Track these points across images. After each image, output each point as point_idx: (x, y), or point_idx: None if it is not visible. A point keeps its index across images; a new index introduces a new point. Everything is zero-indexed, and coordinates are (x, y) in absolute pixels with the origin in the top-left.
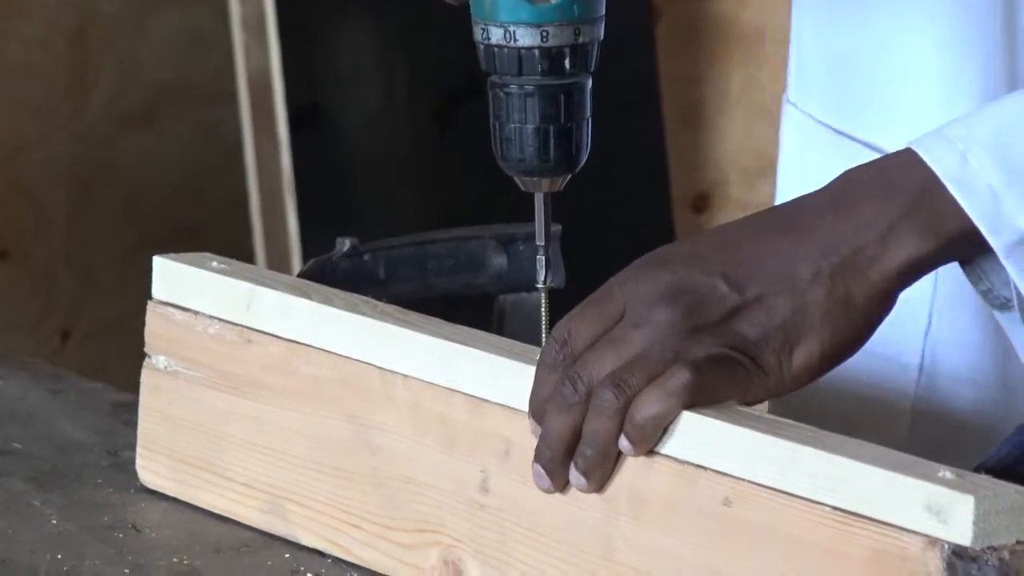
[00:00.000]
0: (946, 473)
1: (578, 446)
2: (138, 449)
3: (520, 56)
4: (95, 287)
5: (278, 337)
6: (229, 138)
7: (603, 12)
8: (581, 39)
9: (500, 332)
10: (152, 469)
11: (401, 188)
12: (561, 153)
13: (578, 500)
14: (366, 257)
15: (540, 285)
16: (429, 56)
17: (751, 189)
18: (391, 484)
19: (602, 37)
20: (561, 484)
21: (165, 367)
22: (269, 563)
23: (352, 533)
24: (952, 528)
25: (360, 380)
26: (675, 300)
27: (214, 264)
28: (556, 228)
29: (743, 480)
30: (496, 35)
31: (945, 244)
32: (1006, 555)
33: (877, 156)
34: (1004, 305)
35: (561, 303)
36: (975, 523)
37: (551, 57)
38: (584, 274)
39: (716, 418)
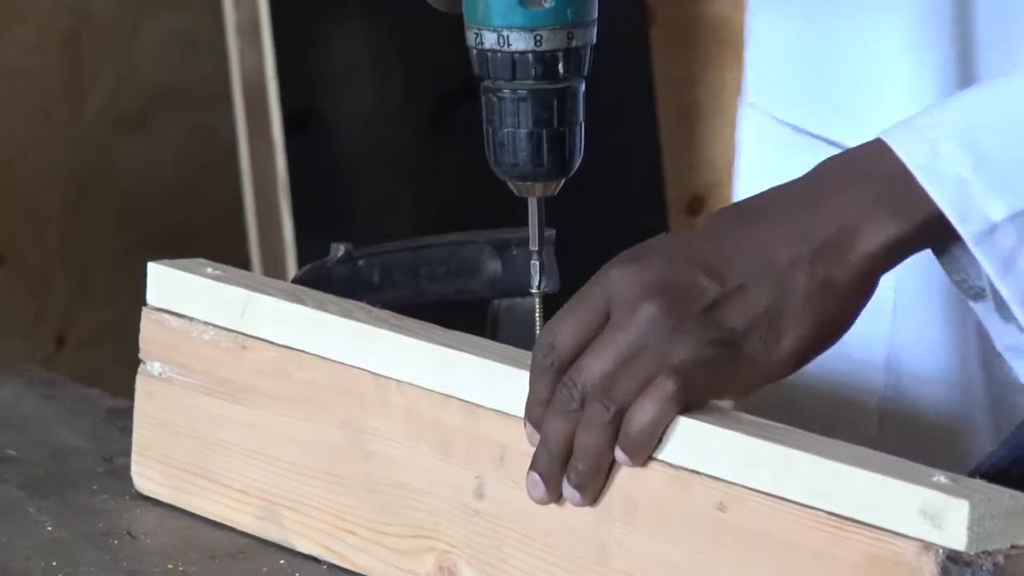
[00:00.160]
0: (940, 478)
1: (570, 460)
2: (133, 455)
3: (514, 60)
4: (90, 291)
5: (273, 343)
6: (224, 141)
7: (596, 16)
8: (574, 43)
9: (494, 337)
10: (147, 475)
11: (396, 191)
12: (555, 158)
13: (572, 506)
14: (360, 262)
15: (534, 290)
16: (424, 59)
17: None
18: (386, 490)
19: (595, 41)
20: (556, 493)
21: (160, 373)
22: (264, 569)
23: (347, 539)
24: (946, 533)
25: (355, 386)
26: (657, 297)
27: (208, 270)
28: (549, 233)
29: (737, 485)
30: (489, 39)
31: (921, 228)
32: (1000, 559)
33: (833, 152)
34: (979, 295)
35: (556, 308)
36: (969, 528)
37: (544, 61)
38: (579, 278)
39: (710, 423)
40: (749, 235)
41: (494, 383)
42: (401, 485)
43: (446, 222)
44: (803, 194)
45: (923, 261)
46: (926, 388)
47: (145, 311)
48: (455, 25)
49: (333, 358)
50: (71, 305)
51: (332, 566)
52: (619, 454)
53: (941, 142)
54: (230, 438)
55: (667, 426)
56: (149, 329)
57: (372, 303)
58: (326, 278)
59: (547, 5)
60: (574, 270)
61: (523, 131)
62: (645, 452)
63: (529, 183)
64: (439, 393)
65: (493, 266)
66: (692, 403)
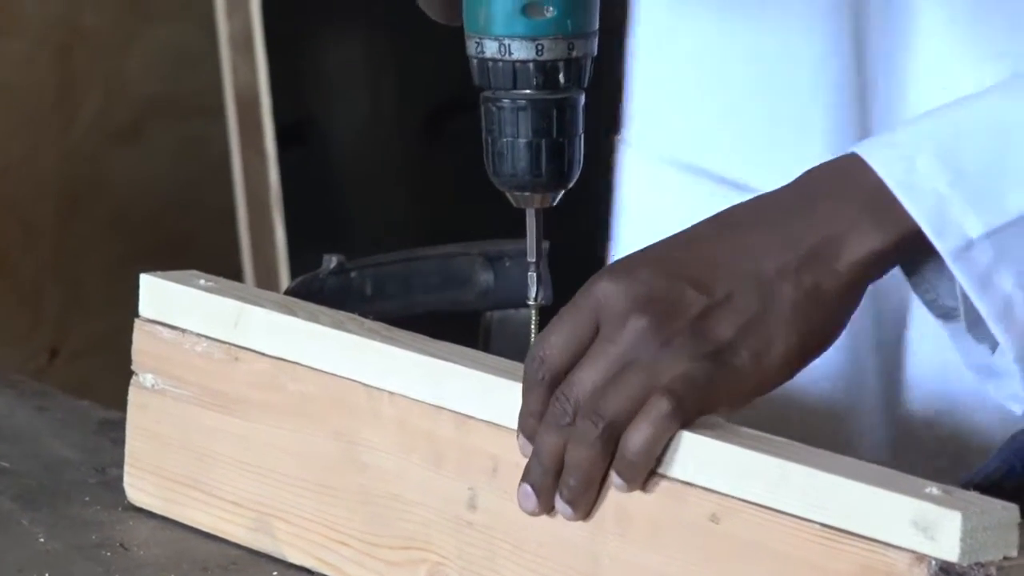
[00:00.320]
0: (933, 489)
1: (562, 476)
2: (126, 467)
3: (515, 69)
4: (83, 302)
5: (265, 355)
6: (216, 153)
7: (597, 28)
8: (575, 53)
9: (487, 349)
10: (140, 487)
11: (389, 202)
12: (553, 168)
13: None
14: (353, 274)
15: (531, 302)
16: (416, 71)
17: None
18: (378, 501)
19: (595, 53)
20: (548, 505)
21: (152, 385)
22: None
23: (340, 550)
24: (939, 544)
25: (347, 397)
26: (645, 310)
27: (201, 282)
28: (544, 245)
29: (731, 497)
30: (491, 48)
31: (901, 241)
32: (993, 571)
33: (729, 191)
34: (948, 315)
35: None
36: (962, 539)
37: (545, 71)
38: (573, 291)
39: (704, 435)
40: (736, 244)
41: (486, 395)
42: (393, 496)
43: (439, 234)
44: (788, 203)
45: None
46: (812, 386)
47: (138, 322)
48: (448, 36)
49: (325, 370)
50: (63, 316)
51: None
52: (615, 479)
53: (919, 158)
54: (223, 449)
55: (662, 446)
56: (142, 341)
57: (364, 315)
58: (318, 290)
59: (549, 15)
60: (568, 282)
61: (522, 141)
62: (642, 474)
63: (527, 194)
64: (431, 405)
65: (485, 278)
66: (686, 420)
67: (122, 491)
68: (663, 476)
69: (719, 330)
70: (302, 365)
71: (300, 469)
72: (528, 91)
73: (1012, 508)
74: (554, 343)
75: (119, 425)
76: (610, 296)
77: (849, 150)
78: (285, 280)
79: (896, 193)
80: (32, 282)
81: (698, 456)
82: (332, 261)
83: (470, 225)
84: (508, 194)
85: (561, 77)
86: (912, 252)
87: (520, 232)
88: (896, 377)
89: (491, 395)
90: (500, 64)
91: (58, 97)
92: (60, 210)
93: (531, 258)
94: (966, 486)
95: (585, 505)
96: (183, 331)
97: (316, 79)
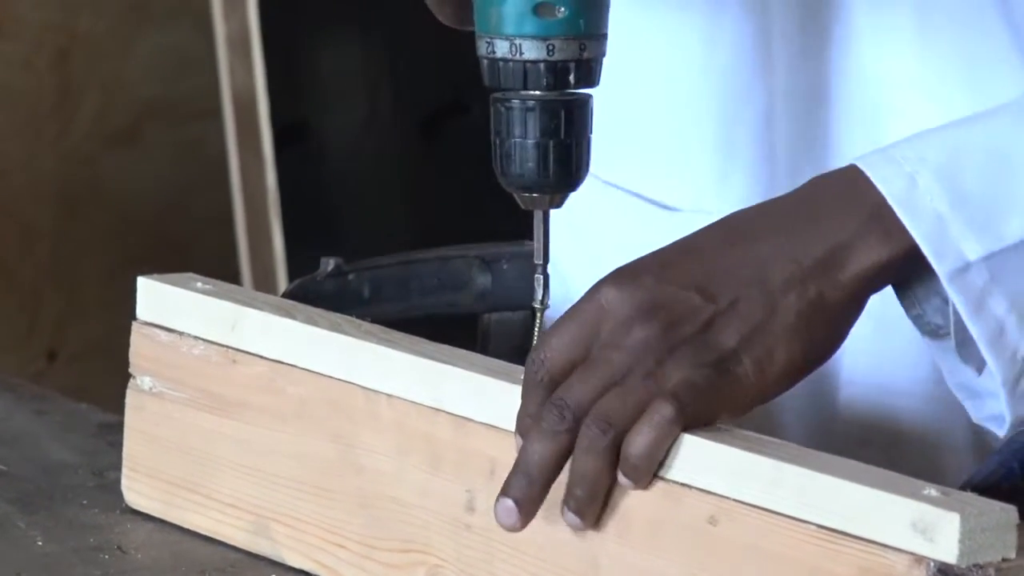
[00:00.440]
0: (931, 491)
1: (568, 487)
2: (123, 470)
3: (525, 69)
4: (81, 306)
5: (263, 357)
6: (214, 156)
7: (607, 30)
8: (586, 55)
9: (484, 351)
10: (138, 490)
11: (386, 205)
12: (560, 169)
13: (563, 520)
14: (350, 277)
15: (537, 304)
16: (414, 73)
17: None
18: (376, 504)
19: (606, 54)
20: (529, 518)
21: (150, 388)
22: None
23: (338, 553)
24: (938, 546)
25: (344, 400)
26: (651, 317)
27: (199, 285)
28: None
29: (728, 498)
30: (502, 48)
31: (904, 255)
32: (992, 573)
33: (644, 205)
34: (935, 332)
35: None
36: (961, 541)
37: (556, 71)
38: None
39: (701, 436)
40: (741, 252)
41: (484, 397)
42: (392, 499)
43: (436, 236)
44: (793, 213)
45: None
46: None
47: (135, 326)
48: (445, 40)
49: (323, 372)
50: (61, 320)
51: None
52: (621, 478)
53: (920, 175)
54: (221, 452)
55: (666, 450)
56: (139, 344)
57: (362, 317)
58: (316, 292)
59: (561, 15)
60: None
61: (530, 141)
62: (647, 477)
63: (535, 195)
64: (429, 407)
65: (483, 280)
66: (688, 426)
67: (120, 494)
68: (661, 478)
69: (723, 338)
70: (300, 368)
71: (298, 472)
72: (538, 91)
73: (1010, 509)
74: (555, 346)
75: (117, 428)
76: (614, 302)
77: (851, 162)
78: (283, 283)
79: (897, 210)
80: (30, 285)
81: (696, 458)
82: (330, 264)
83: (467, 227)
84: (516, 196)
85: (572, 78)
86: (916, 264)
87: (517, 235)
88: (829, 370)
89: (489, 397)
90: (511, 64)
91: (56, 100)
92: (58, 214)
93: (538, 260)
94: (964, 488)
95: (593, 515)
96: (181, 334)
97: (313, 82)
